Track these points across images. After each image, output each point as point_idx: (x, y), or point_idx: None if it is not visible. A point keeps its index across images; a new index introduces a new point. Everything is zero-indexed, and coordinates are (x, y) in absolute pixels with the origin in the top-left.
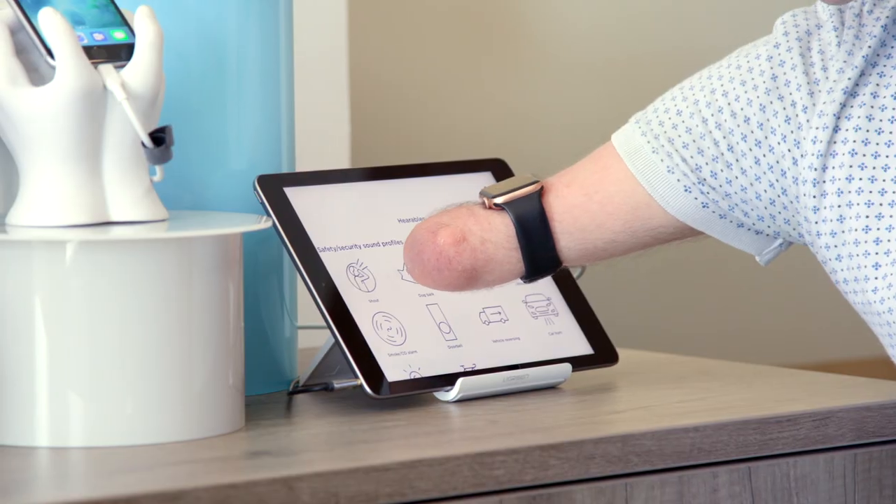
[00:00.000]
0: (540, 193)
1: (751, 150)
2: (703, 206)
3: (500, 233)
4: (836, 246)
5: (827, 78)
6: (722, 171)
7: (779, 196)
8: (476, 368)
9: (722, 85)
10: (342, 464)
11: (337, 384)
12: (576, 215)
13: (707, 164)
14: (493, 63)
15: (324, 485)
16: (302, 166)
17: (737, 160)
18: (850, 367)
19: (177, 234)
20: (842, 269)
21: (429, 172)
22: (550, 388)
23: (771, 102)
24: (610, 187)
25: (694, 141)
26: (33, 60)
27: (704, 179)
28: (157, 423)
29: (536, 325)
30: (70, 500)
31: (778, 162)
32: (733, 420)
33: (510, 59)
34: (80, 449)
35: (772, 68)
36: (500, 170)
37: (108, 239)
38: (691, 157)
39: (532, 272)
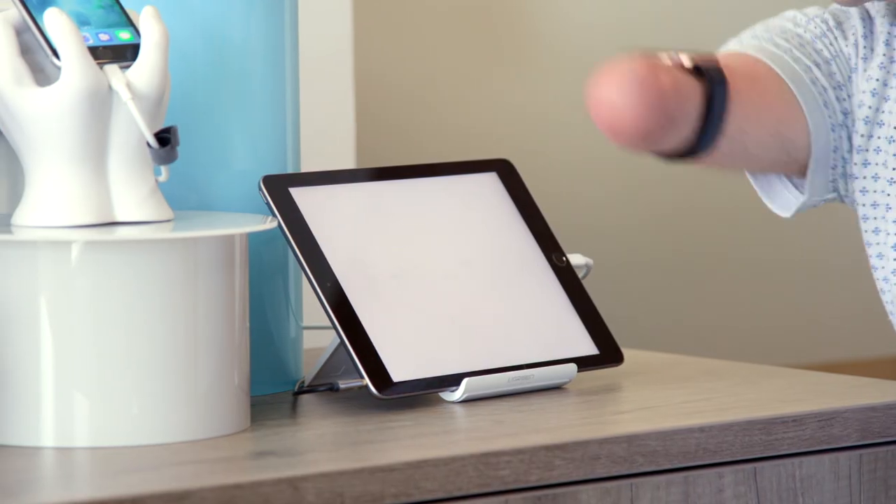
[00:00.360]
0: (723, 70)
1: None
2: (831, 128)
3: (692, 85)
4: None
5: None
6: (819, 78)
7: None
8: (481, 369)
9: (783, 23)
10: (347, 464)
11: (342, 384)
12: (742, 100)
13: (821, 76)
14: (498, 63)
15: (329, 485)
16: (307, 166)
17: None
18: (856, 367)
19: (182, 235)
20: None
21: (434, 173)
22: (556, 388)
23: (836, 38)
24: (765, 84)
25: (801, 45)
26: (39, 61)
27: (825, 89)
28: (162, 424)
29: (542, 325)
30: (75, 501)
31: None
32: (739, 420)
33: (516, 58)
34: (85, 449)
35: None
36: (505, 170)
37: (113, 239)
38: (808, 59)
39: (690, 150)
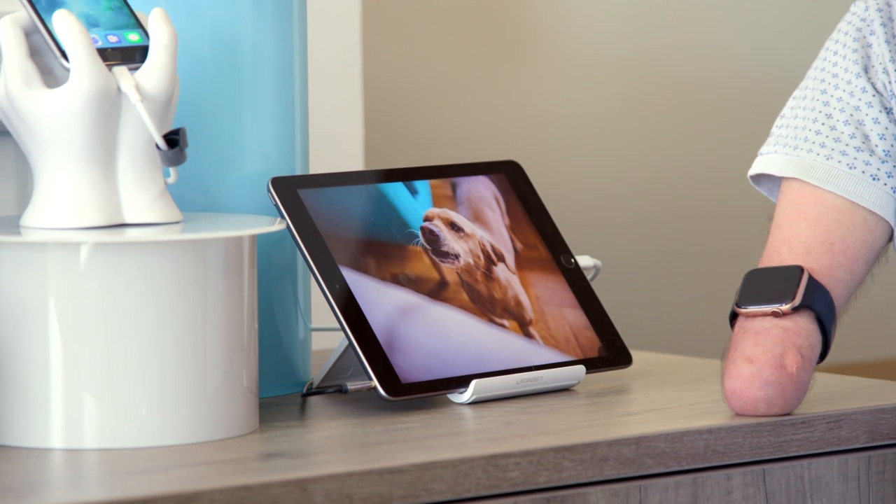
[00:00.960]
0: (809, 274)
1: (875, 120)
2: (894, 192)
3: (813, 332)
4: None
5: None
6: (864, 143)
7: None
8: (490, 370)
9: (848, 69)
10: (356, 465)
11: (351, 386)
12: (836, 276)
13: (858, 146)
14: (506, 64)
15: (338, 486)
16: (316, 168)
17: (868, 135)
18: (865, 368)
19: (191, 236)
20: None
21: (442, 174)
22: (564, 389)
23: (869, 79)
24: (836, 231)
25: (857, 128)
26: (48, 62)
27: (871, 156)
28: (171, 425)
29: (550, 327)
30: (84, 502)
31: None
32: (747, 422)
33: (524, 60)
34: (94, 450)
35: (863, 47)
36: (514, 172)
37: (122, 241)
38: (862, 144)
39: (826, 351)
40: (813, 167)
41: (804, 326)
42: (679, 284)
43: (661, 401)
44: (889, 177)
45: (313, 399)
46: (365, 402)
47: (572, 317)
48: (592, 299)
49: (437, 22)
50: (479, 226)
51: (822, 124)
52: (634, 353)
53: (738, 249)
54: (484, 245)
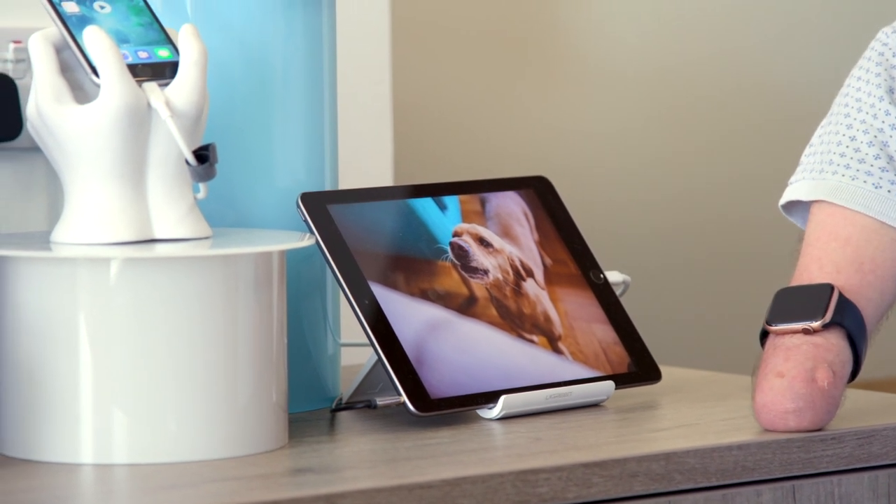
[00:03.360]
0: (840, 292)
1: None
2: None
3: (843, 349)
4: None
5: None
6: (889, 164)
7: None
8: (519, 386)
9: (871, 93)
10: (385, 481)
11: (380, 401)
12: (865, 295)
13: (882, 166)
14: (533, 80)
15: (367, 502)
16: (345, 184)
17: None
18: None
19: (220, 252)
20: None
21: (471, 190)
22: (593, 405)
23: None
24: (866, 250)
25: (881, 149)
26: (78, 78)
27: None
28: (200, 440)
29: (579, 342)
30: None
31: None
32: (777, 438)
33: (551, 76)
34: (124, 466)
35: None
36: (542, 188)
37: (152, 256)
38: (886, 164)
39: (857, 369)
40: (839, 188)
41: (835, 343)
42: (708, 300)
43: (690, 416)
44: None
45: (342, 414)
46: (394, 418)
47: (601, 332)
48: (621, 315)
49: (465, 39)
50: (508, 241)
51: (847, 147)
52: (664, 369)
53: (769, 263)
54: (513, 260)
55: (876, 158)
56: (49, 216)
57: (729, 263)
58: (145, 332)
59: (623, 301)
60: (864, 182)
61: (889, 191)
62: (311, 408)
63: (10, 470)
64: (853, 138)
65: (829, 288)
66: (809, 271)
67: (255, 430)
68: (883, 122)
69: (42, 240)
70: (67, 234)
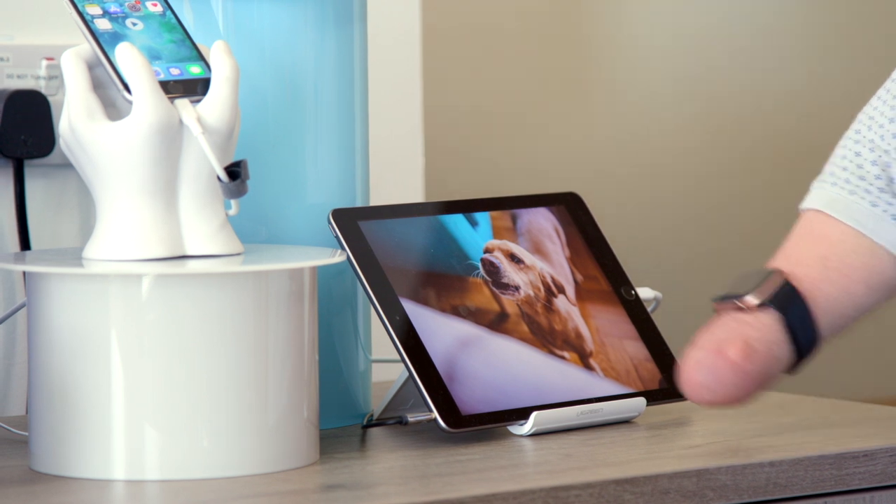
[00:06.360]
0: (788, 279)
1: None
2: None
3: (774, 330)
4: None
5: None
6: (888, 186)
7: None
8: (550, 402)
9: (885, 115)
10: (417, 497)
11: (411, 418)
12: (823, 290)
13: (881, 186)
14: (566, 96)
15: None
16: (376, 200)
17: None
18: None
19: (252, 268)
20: None
21: (503, 206)
22: (625, 422)
23: None
24: (836, 249)
25: (884, 171)
26: (111, 95)
27: (894, 198)
28: (232, 456)
29: (610, 358)
30: None
31: None
32: (809, 455)
33: (584, 92)
34: (155, 482)
35: None
36: (574, 204)
37: (184, 273)
38: (886, 185)
39: (799, 360)
40: (835, 200)
41: (765, 323)
42: None
43: (722, 433)
44: None
45: (373, 431)
46: (425, 434)
47: (633, 348)
48: (653, 331)
49: (498, 54)
50: (540, 257)
51: (850, 161)
52: None
53: None
54: (544, 277)
55: (877, 178)
56: (81, 232)
57: None
58: (177, 349)
59: (654, 317)
60: (862, 199)
61: (885, 210)
62: (342, 424)
63: (42, 486)
64: (858, 154)
65: (775, 272)
66: (775, 262)
67: (286, 447)
68: (889, 144)
69: (74, 256)
70: (99, 250)
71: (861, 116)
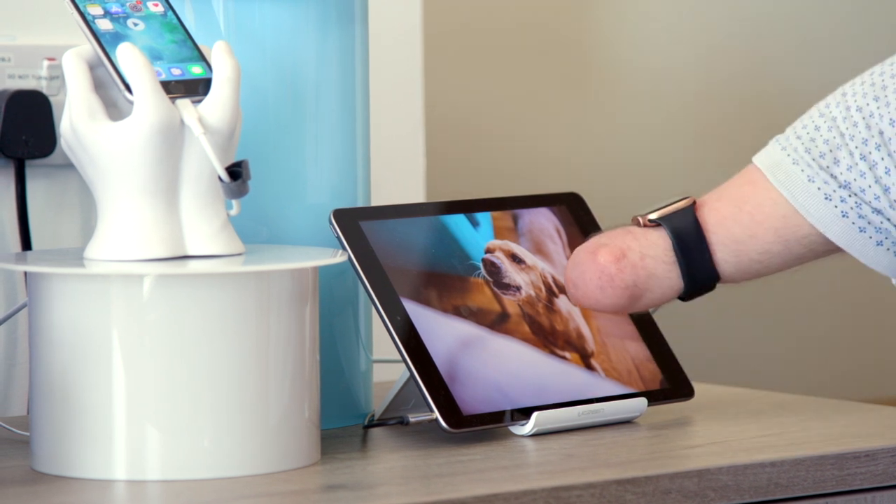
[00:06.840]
0: (693, 208)
1: (882, 159)
2: (843, 216)
3: (659, 247)
4: None
5: None
6: (856, 179)
7: None
8: (551, 403)
9: (856, 101)
10: (418, 497)
11: (412, 418)
12: (728, 226)
13: (842, 173)
14: (567, 96)
15: None
16: (377, 200)
17: (870, 168)
18: None
19: (253, 268)
20: None
21: (504, 206)
22: (626, 422)
23: None
24: (757, 197)
25: (831, 151)
26: (112, 95)
27: (841, 186)
28: (233, 457)
29: (612, 359)
30: None
31: None
32: (811, 455)
33: (585, 91)
34: (156, 482)
35: None
36: (575, 204)
37: (185, 273)
38: (828, 166)
39: (691, 287)
40: (778, 165)
41: (652, 240)
42: (741, 317)
43: (723, 433)
44: (842, 201)
45: (375, 431)
46: (426, 434)
47: (634, 349)
48: (654, 331)
49: (499, 54)
50: (541, 258)
51: (807, 133)
52: (696, 385)
53: (804, 281)
54: (545, 277)
55: (821, 156)
56: (82, 233)
57: (763, 282)
58: (178, 349)
59: (656, 318)
60: (802, 171)
61: (819, 188)
62: (344, 424)
63: (43, 486)
64: (817, 127)
65: (685, 200)
66: (702, 196)
67: (287, 447)
68: (847, 129)
69: (75, 256)
70: (101, 250)
71: (838, 91)
